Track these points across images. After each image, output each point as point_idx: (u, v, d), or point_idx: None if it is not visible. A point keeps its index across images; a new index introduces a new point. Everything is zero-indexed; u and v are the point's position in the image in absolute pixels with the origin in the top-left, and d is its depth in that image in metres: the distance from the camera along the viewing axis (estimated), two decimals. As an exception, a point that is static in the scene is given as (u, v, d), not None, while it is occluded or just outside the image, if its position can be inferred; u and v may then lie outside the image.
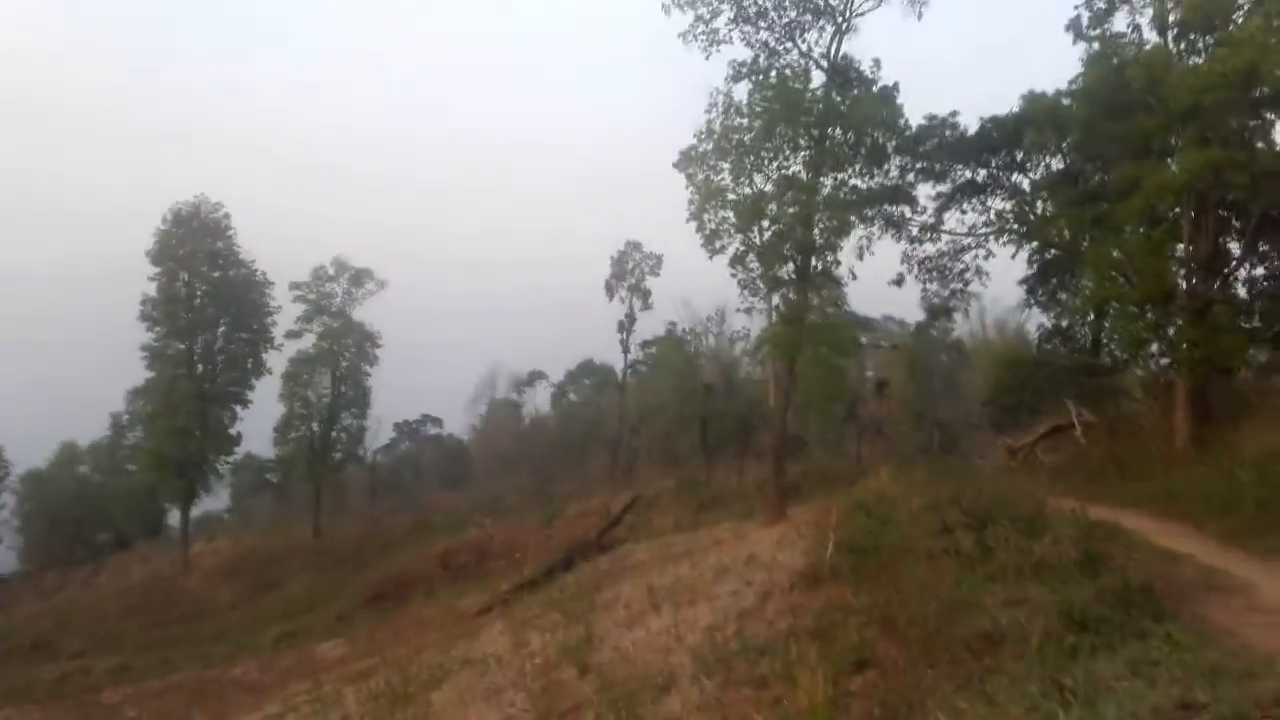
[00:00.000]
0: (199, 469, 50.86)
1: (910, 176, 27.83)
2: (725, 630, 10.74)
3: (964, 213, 28.73)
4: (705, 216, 23.61)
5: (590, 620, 13.97)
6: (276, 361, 53.82)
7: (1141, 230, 22.15)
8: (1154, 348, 23.94)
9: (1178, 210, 22.56)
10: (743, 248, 23.67)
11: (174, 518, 57.21)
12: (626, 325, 59.44)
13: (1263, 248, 24.30)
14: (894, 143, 25.34)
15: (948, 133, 27.60)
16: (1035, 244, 28.57)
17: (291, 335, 54.18)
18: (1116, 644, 6.36)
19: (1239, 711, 4.50)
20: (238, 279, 51.77)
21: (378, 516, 58.73)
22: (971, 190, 28.48)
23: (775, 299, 24.54)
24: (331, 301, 54.74)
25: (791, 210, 22.90)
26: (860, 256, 24.96)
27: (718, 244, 23.68)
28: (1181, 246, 22.79)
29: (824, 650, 7.74)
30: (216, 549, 53.70)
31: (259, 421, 54.39)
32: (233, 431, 52.35)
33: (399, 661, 8.51)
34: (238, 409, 52.28)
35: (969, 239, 28.98)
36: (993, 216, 28.54)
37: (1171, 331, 22.56)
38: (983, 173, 28.22)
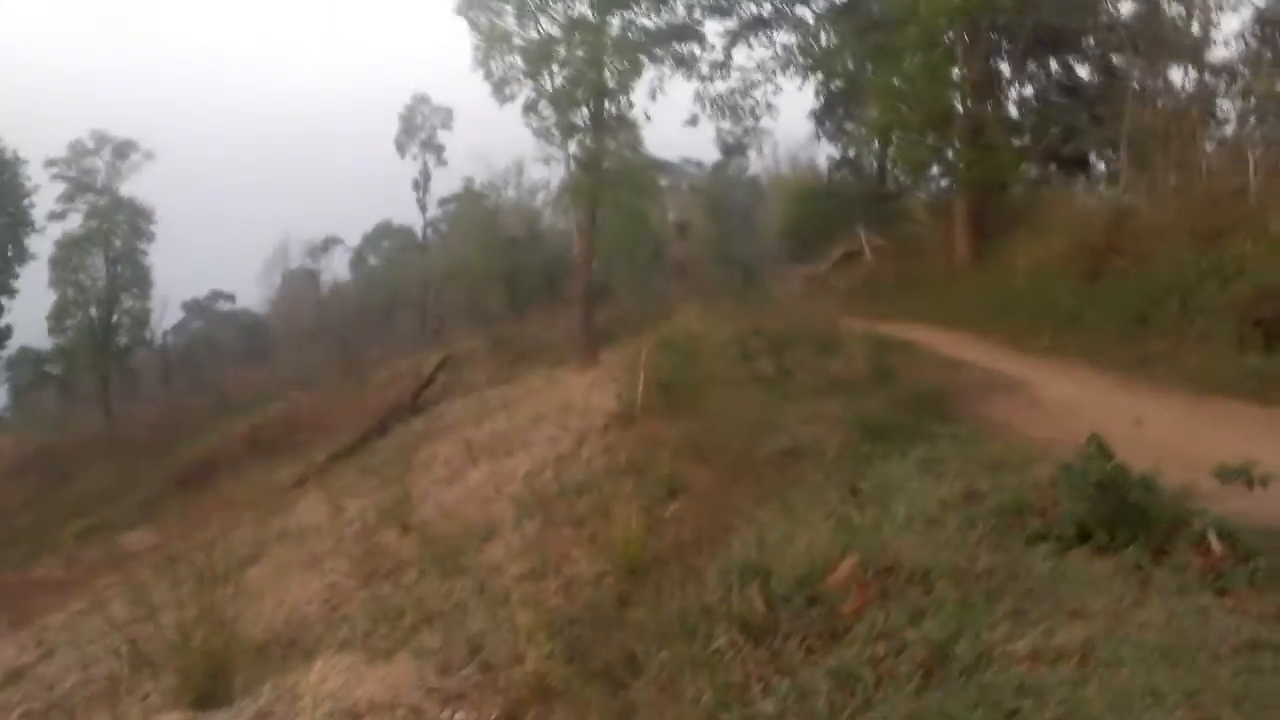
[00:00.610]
0: (-34, 367, 47.01)
1: (697, 13, 27.51)
2: (543, 476, 10.86)
3: (752, 48, 28.86)
4: (492, 63, 22.82)
5: (408, 481, 13.89)
6: (41, 246, 49.57)
7: (920, 56, 22.80)
8: (935, 170, 25.11)
9: (952, 35, 23.27)
10: (534, 94, 23.11)
11: (-52, 420, 53.00)
12: (422, 183, 57.60)
13: (1031, 68, 25.48)
14: (679, -23, 24.93)
15: (733, -33, 27.38)
16: (821, 76, 29.11)
17: (55, 217, 49.77)
18: (907, 448, 6.77)
19: (1018, 496, 4.87)
20: (-16, 158, 46.94)
21: (175, 400, 55.93)
22: (758, 25, 28.54)
23: (572, 146, 24.13)
24: (95, 177, 50.45)
25: (580, 53, 22.36)
26: (653, 98, 24.86)
27: (507, 91, 23.04)
28: (957, 70, 23.63)
29: (639, 484, 7.91)
30: (0, 448, 50.24)
31: (29, 311, 50.42)
32: (0, 324, 48.34)
33: (210, 542, 8.20)
34: (2, 300, 48.15)
35: (758, 74, 29.21)
36: (779, 50, 28.79)
37: (950, 153, 23.63)
38: (768, 6, 28.28)
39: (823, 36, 28.13)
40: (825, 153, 36.14)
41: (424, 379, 41.42)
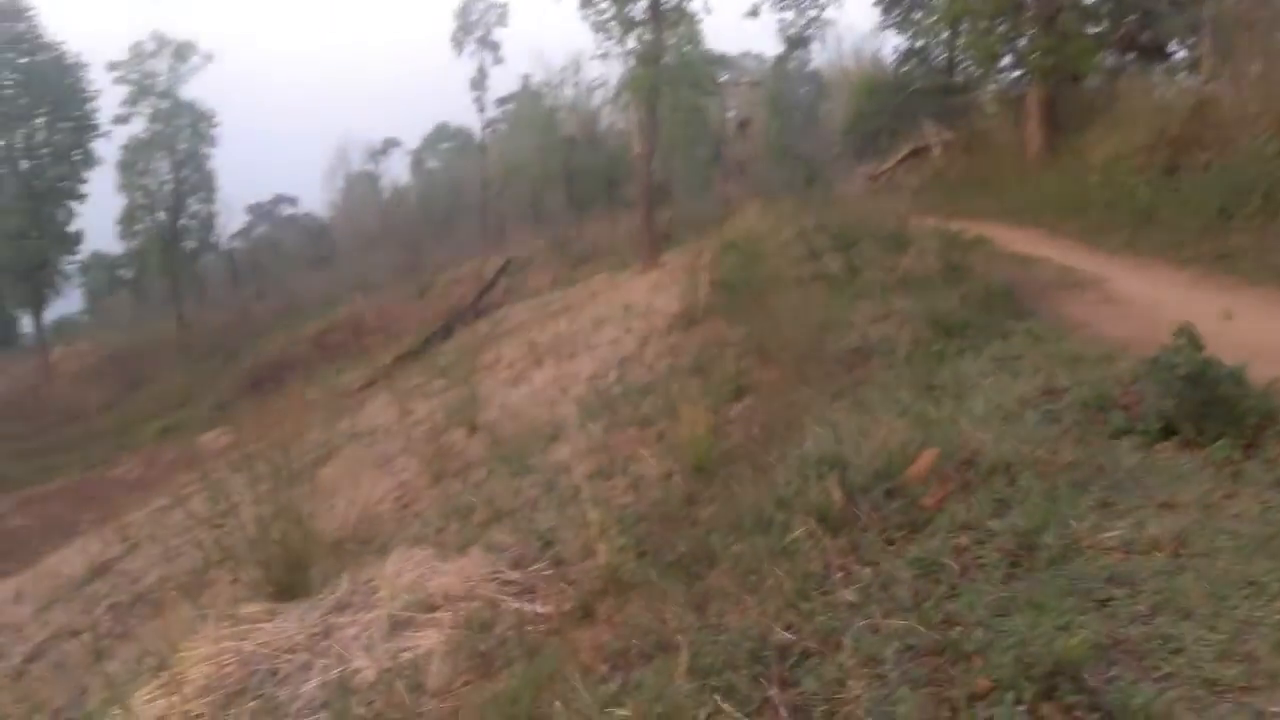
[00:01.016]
0: (43, 271, 48.13)
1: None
2: (607, 377, 10.88)
3: (819, -66, 27.78)
4: (549, -46, 22.28)
5: (474, 382, 14.04)
6: (109, 151, 50.19)
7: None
8: (1006, 60, 24.13)
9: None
10: (592, -14, 22.56)
11: (28, 325, 54.55)
12: (479, 82, 56.83)
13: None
14: None
15: None
16: (889, -38, 27.99)
17: (119, 121, 50.25)
18: (981, 345, 6.61)
19: (1100, 391, 4.73)
20: (47, 63, 47.26)
21: (243, 304, 57.05)
22: (826, -91, 27.44)
23: (630, 41, 23.62)
24: (156, 80, 50.67)
25: (639, -57, 21.75)
26: (714, -12, 24.10)
27: (565, -16, 22.50)
28: (1029, -46, 22.54)
29: (704, 384, 7.88)
30: (78, 353, 51.74)
31: (102, 217, 51.37)
32: (72, 229, 49.21)
33: (284, 442, 8.38)
34: (73, 205, 48.93)
35: (824, -38, 28.19)
36: (848, -63, 27.64)
37: (1022, 42, 22.66)
38: (837, -107, 27.13)
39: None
40: (891, 44, 34.97)
41: (486, 282, 41.75)
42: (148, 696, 3.88)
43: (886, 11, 30.88)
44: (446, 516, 7.18)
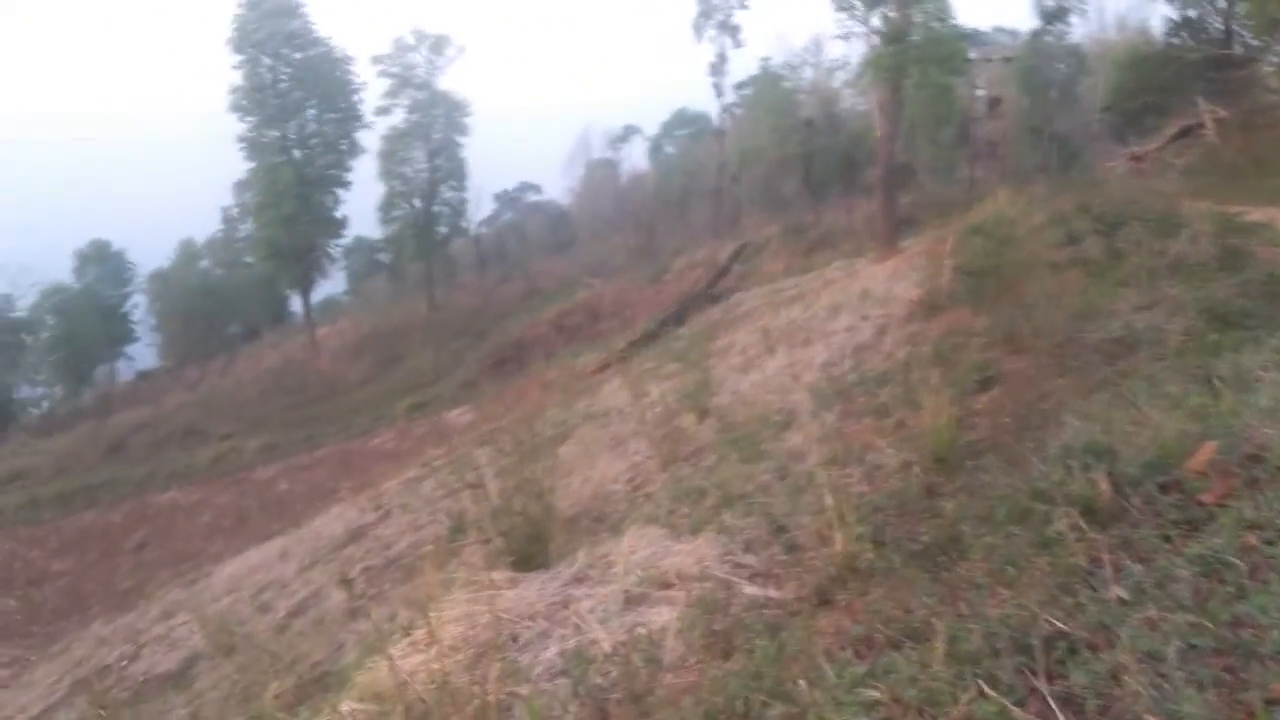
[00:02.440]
0: (311, 254, 52.17)
1: None
2: (842, 365, 10.62)
3: (1080, -101, 25.98)
4: (794, -66, 21.95)
5: (706, 367, 14.06)
6: (370, 141, 53.84)
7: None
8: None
9: None
10: (837, -36, 22.10)
11: (297, 304, 59.43)
12: (718, 67, 56.94)
13: None
14: None
15: None
16: (1162, -75, 25.85)
17: (381, 112, 53.82)
18: (1264, 336, 5.97)
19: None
20: (318, 58, 51.09)
21: (488, 287, 59.94)
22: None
23: (875, 19, 22.98)
24: (415, 73, 53.79)
25: (888, -84, 21.10)
26: (966, -40, 23.08)
27: (809, -36, 22.13)
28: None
29: (946, 374, 7.51)
30: (340, 330, 55.99)
31: (363, 203, 55.19)
32: (337, 215, 53.11)
33: (525, 420, 8.69)
34: (339, 192, 52.80)
35: (1086, -71, 26.34)
36: (1112, -100, 25.72)
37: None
38: None
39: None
40: (1160, 14, 32.37)
41: (720, 268, 41.96)
42: (403, 651, 4.08)
43: (1157, -21, 28.56)
44: (677, 499, 7.18)
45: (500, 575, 5.01)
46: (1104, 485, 3.42)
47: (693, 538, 5.02)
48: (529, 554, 5.59)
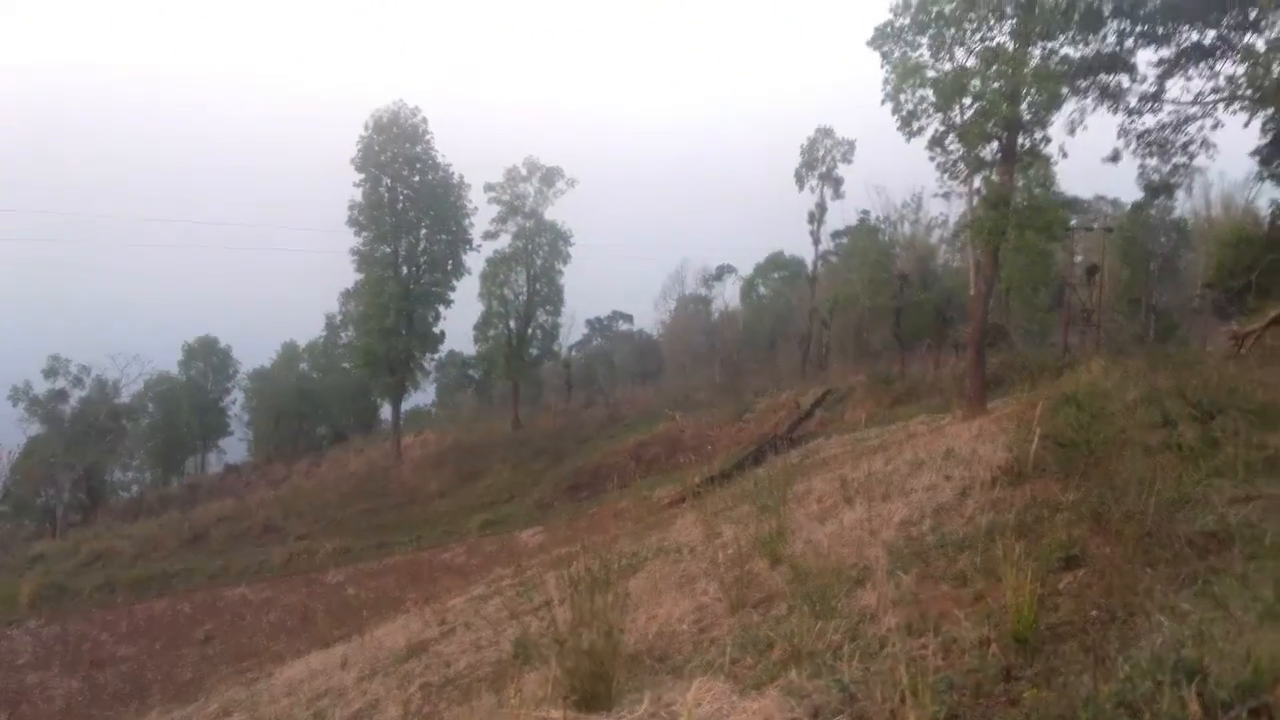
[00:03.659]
0: (406, 366, 53.56)
1: (1129, 42, 25.48)
2: (921, 525, 10.41)
3: (1189, 79, 26.14)
4: (902, 97, 22.59)
5: (782, 512, 13.90)
6: (474, 262, 55.73)
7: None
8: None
9: None
10: (942, 128, 22.60)
11: (386, 412, 60.82)
12: (817, 215, 58.05)
13: None
14: (1110, 4, 23.28)
15: (1171, -10, 25.00)
16: (1271, 110, 25.77)
17: (488, 236, 55.90)
18: (1367, 547, 5.74)
19: None
20: (436, 182, 53.42)
21: (572, 411, 60.53)
22: (1198, 53, 25.82)
23: (977, 181, 23.32)
24: (524, 202, 55.81)
25: (996, 85, 21.57)
26: (1071, 132, 23.47)
27: (915, 125, 22.67)
28: None
29: (1029, 547, 7.34)
30: (424, 441, 56.87)
31: (460, 320, 56.78)
32: (436, 330, 54.76)
33: (596, 549, 8.67)
34: (440, 308, 54.57)
35: (1194, 108, 26.42)
36: (1222, 82, 25.84)
37: None
38: (1211, 34, 25.50)
39: (1275, 67, 24.94)
40: (1267, 196, 32.09)
41: (802, 411, 41.83)
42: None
43: (1265, 162, 28.37)
44: (744, 648, 7.07)
45: (559, 714, 4.97)
46: (1194, 706, 3.29)
47: (759, 694, 4.93)
48: (591, 692, 5.53)
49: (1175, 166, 27.69)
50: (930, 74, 22.27)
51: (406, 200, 52.79)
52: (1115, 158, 27.43)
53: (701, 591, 10.88)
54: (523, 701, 5.80)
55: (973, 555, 8.00)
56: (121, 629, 29.23)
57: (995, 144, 22.36)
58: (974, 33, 22.22)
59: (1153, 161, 27.64)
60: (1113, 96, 26.06)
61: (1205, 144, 26.64)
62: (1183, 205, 45.23)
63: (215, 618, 29.08)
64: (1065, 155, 23.33)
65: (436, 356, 58.75)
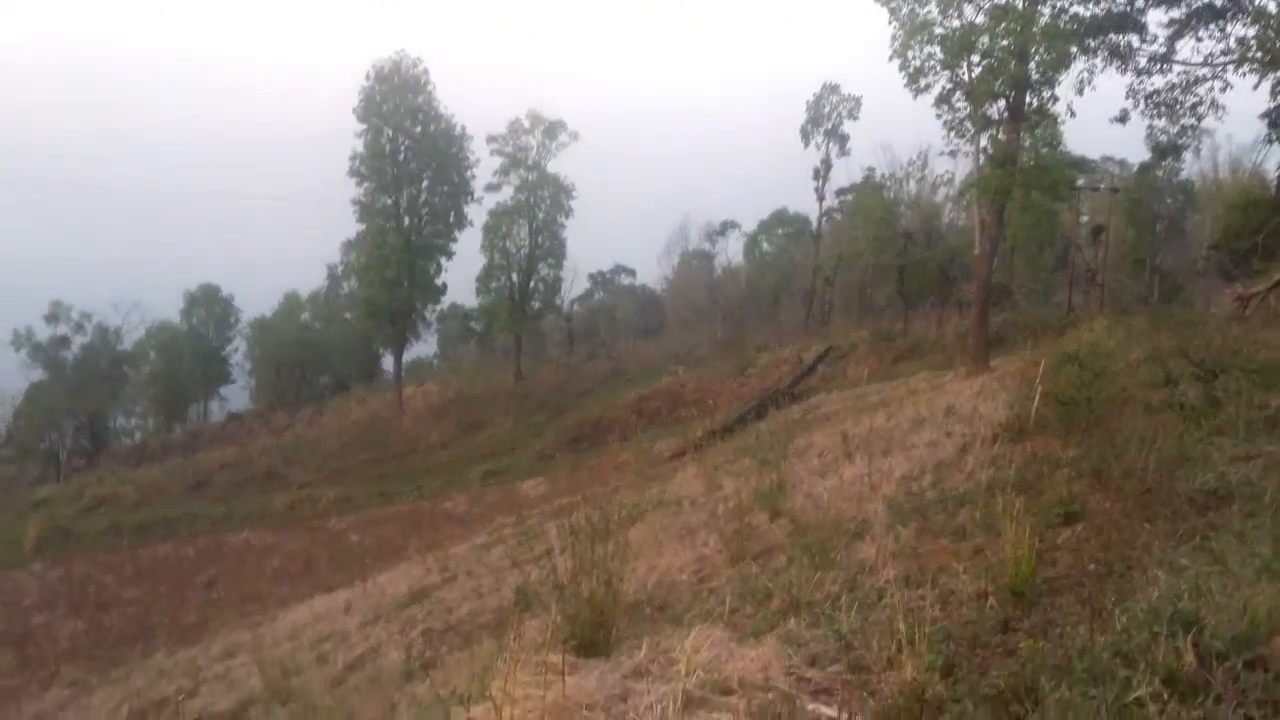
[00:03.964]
0: (408, 317, 53.63)
1: (1139, 1, 25.16)
2: (921, 480, 10.47)
3: (1199, 40, 25.82)
4: (909, 53, 22.32)
5: (783, 467, 13.97)
6: (477, 214, 55.53)
7: None
8: None
9: None
10: (950, 85, 22.39)
11: (387, 363, 61.02)
12: (822, 172, 57.62)
13: None
14: (1122, -36, 22.99)
15: (1185, -50, 24.67)
16: (1281, 73, 25.53)
17: (490, 188, 55.63)
18: (1366, 504, 5.78)
19: None
20: (438, 133, 53.10)
21: (574, 364, 60.64)
22: (1210, 14, 25.50)
23: (984, 140, 23.12)
24: (527, 154, 55.45)
25: (1005, 42, 21.32)
26: (1080, 91, 23.25)
27: (922, 82, 22.45)
28: None
29: (1029, 503, 7.38)
30: (426, 392, 57.04)
31: (462, 272, 56.71)
32: (438, 282, 54.79)
33: (597, 500, 8.73)
34: (442, 260, 54.55)
35: (1205, 69, 26.13)
36: (1233, 44, 25.53)
37: None
38: (1223, -7, 25.21)
39: (1287, 29, 24.62)
40: (1277, 159, 31.90)
41: (804, 367, 41.87)
42: (462, 725, 4.11)
43: (1274, 125, 28.12)
44: (743, 598, 7.14)
45: (558, 658, 5.03)
46: (1189, 656, 3.33)
47: (757, 642, 4.99)
48: (591, 639, 5.60)
49: (1183, 128, 27.46)
50: (938, 30, 22.02)
51: (408, 151, 52.54)
52: (1123, 118, 27.19)
53: (702, 543, 10.98)
54: (523, 647, 5.86)
55: (972, 510, 8.06)
56: (126, 572, 29.52)
57: (1002, 102, 22.17)
58: (983, -11, 21.96)
59: (1161, 122, 27.40)
60: (1122, 56, 25.77)
61: (1214, 106, 26.38)
62: (1190, 167, 45.02)
63: (219, 562, 29.35)
64: (1073, 115, 23.12)
65: (438, 308, 58.80)
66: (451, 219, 54.10)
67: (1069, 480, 7.84)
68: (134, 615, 24.57)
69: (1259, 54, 24.95)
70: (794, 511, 10.67)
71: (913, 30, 22.16)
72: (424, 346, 66.21)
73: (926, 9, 22.24)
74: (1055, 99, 22.54)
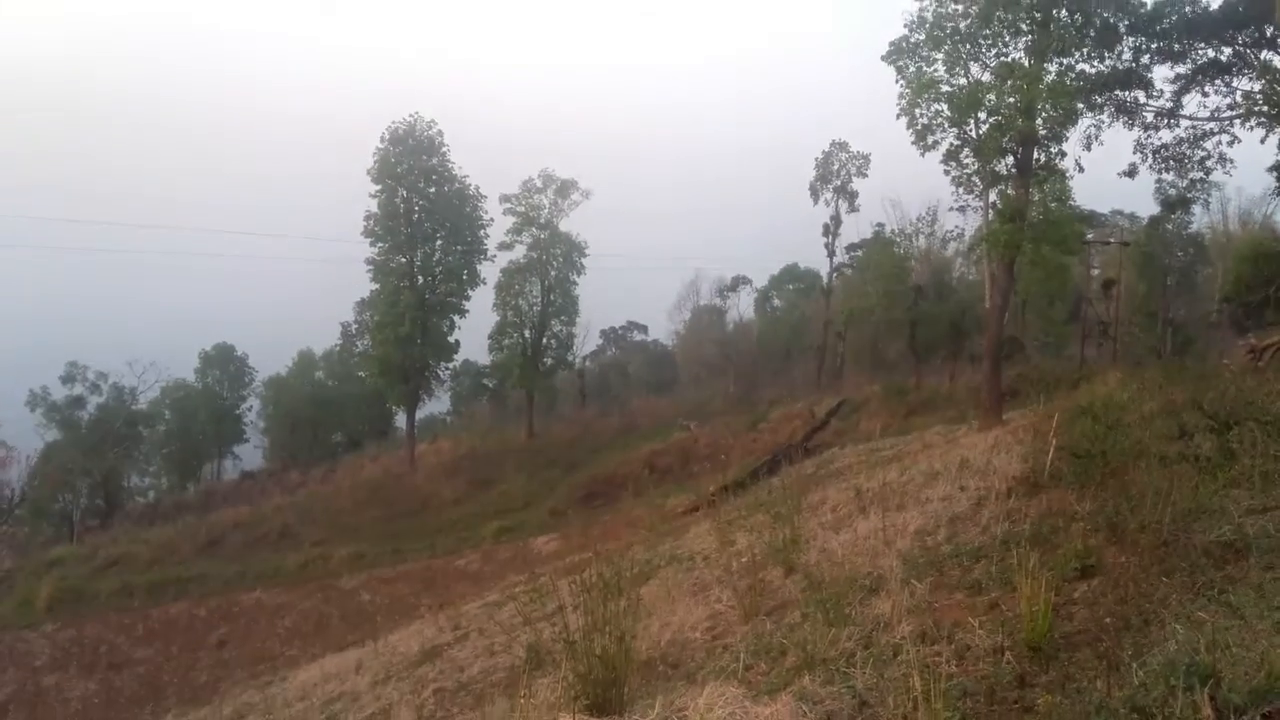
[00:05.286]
0: (422, 374, 53.75)
1: (1145, 58, 25.47)
2: (936, 534, 10.40)
3: (1206, 95, 26.07)
4: (917, 111, 22.63)
5: (796, 522, 13.90)
6: (490, 272, 55.89)
7: None
8: None
9: None
10: (957, 142, 22.64)
11: (401, 420, 60.93)
12: (832, 228, 58.02)
13: None
14: (1127, 21, 23.33)
15: (1188, 8, 24.96)
16: (1288, 127, 25.70)
17: (503, 247, 56.00)
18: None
19: None
20: (452, 193, 53.62)
21: (587, 420, 60.55)
22: (1215, 70, 25.78)
23: (993, 195, 23.32)
24: (540, 213, 55.93)
25: (1012, 100, 21.59)
26: (1088, 147, 23.47)
27: (930, 140, 22.70)
28: None
29: (1044, 557, 7.33)
30: (439, 449, 56.97)
31: (475, 330, 56.93)
32: (451, 339, 54.94)
33: (610, 556, 8.67)
34: (455, 318, 54.77)
35: (1211, 124, 26.35)
36: (1239, 98, 25.77)
37: None
38: (1227, 51, 25.47)
39: (1293, 83, 24.87)
40: (1285, 211, 32.01)
41: (817, 421, 41.78)
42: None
43: (1284, 177, 28.29)
44: (757, 655, 7.09)
45: (572, 718, 4.99)
46: (1207, 710, 3.30)
47: (771, 700, 4.94)
48: (603, 697, 5.56)
49: (1192, 182, 27.63)
50: (945, 89, 22.33)
51: (422, 211, 52.99)
52: (1132, 172, 27.37)
53: (715, 599, 10.90)
54: (535, 706, 5.82)
55: (988, 564, 8.00)
56: (138, 632, 29.36)
57: (1010, 158, 22.39)
58: (989, 48, 22.29)
59: (1169, 176, 27.61)
60: (1129, 112, 26.04)
61: (1222, 159, 26.55)
62: (1200, 220, 45.19)
63: (230, 622, 29.19)
64: (1081, 170, 23.35)
65: (451, 365, 58.82)
66: (465, 277, 54.39)
67: (1084, 534, 7.79)
68: (145, 676, 24.43)
69: (1265, 107, 25.18)
70: (808, 567, 10.60)
71: (920, 88, 22.47)
72: (437, 404, 66.40)
73: (934, 68, 22.57)
74: (1063, 154, 22.81)
